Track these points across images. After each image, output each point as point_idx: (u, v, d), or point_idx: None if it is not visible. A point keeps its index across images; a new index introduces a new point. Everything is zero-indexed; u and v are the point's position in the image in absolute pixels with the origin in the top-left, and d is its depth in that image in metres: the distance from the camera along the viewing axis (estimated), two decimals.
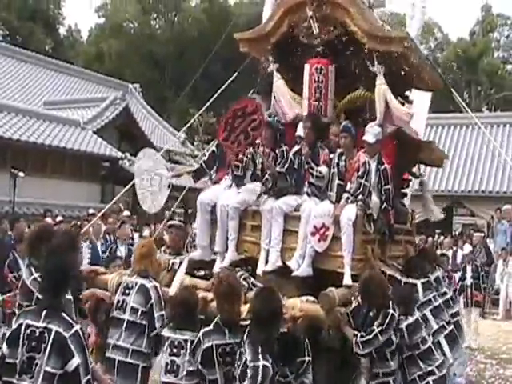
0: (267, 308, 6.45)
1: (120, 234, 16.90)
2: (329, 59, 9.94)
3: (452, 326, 9.25)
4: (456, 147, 34.72)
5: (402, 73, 9.79)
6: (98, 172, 31.42)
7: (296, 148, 9.62)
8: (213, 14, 58.51)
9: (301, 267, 8.76)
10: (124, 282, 8.02)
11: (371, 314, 7.73)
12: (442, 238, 26.20)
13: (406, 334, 7.88)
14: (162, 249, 9.88)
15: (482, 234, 23.39)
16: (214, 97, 12.09)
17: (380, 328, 7.37)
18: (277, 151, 9.61)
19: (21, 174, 24.05)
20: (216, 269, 9.41)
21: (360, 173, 8.87)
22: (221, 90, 11.84)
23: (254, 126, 9.29)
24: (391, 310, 7.55)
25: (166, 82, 57.91)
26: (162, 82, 58.73)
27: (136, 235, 20.80)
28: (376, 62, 9.37)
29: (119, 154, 32.24)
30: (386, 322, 7.43)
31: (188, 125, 15.34)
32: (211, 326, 6.92)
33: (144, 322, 7.70)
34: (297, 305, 7.57)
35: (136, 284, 7.84)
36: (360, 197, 8.73)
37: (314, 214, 8.80)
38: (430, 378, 8.00)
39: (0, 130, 26.97)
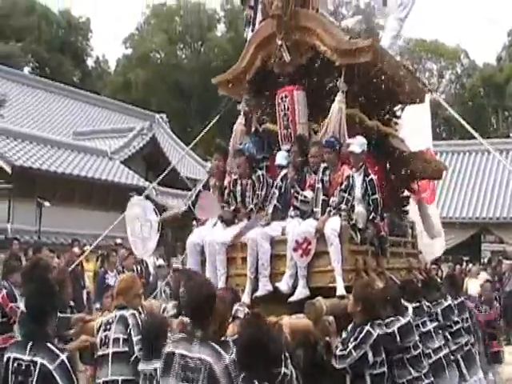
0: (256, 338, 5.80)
1: (126, 265, 16.98)
2: (296, 84, 9.89)
3: (440, 355, 8.82)
4: (484, 174, 34.61)
5: (379, 84, 9.82)
6: (125, 202, 31.33)
7: (283, 172, 9.57)
8: (238, 44, 58.78)
9: (297, 290, 8.65)
10: (105, 320, 7.72)
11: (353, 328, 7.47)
12: (470, 265, 25.99)
13: (398, 337, 7.69)
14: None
15: (511, 262, 23.18)
16: (205, 131, 12.23)
17: (354, 343, 7.10)
18: (253, 178, 9.68)
19: (46, 203, 24.35)
20: None
21: (343, 186, 8.83)
22: (210, 125, 12.00)
23: None
24: (369, 327, 7.22)
25: (192, 112, 58.24)
26: (188, 111, 59.07)
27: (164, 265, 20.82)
28: (341, 79, 9.40)
29: (146, 184, 32.42)
30: (361, 337, 7.13)
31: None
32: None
33: (126, 349, 7.37)
34: (287, 323, 7.33)
35: (115, 317, 7.54)
36: (343, 207, 8.69)
37: (297, 232, 8.72)
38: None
39: (29, 160, 27.27)
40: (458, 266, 25.62)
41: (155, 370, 6.45)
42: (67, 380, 5.24)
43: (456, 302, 9.89)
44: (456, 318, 9.63)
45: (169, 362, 5.41)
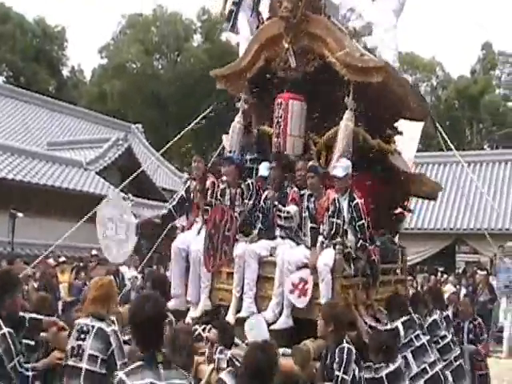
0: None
1: (94, 275, 16.84)
2: (292, 93, 9.63)
3: (436, 369, 8.58)
4: (459, 185, 34.75)
5: (386, 103, 9.62)
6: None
7: (266, 193, 9.33)
8: (215, 55, 58.76)
9: (280, 319, 8.40)
10: (77, 325, 7.14)
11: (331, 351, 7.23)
12: (445, 276, 26.11)
13: (386, 383, 7.44)
14: None
15: (485, 273, 23.31)
16: (181, 135, 12.06)
17: (342, 367, 6.87)
18: (242, 186, 9.47)
19: (20, 214, 24.17)
20: (188, 319, 9.16)
21: (330, 212, 8.56)
22: (189, 127, 11.84)
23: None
24: (345, 345, 7.06)
25: (168, 122, 58.06)
26: (164, 122, 58.85)
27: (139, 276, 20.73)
28: (349, 97, 9.12)
29: (121, 195, 32.28)
30: (344, 357, 6.93)
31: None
32: None
33: (104, 371, 6.80)
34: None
35: (93, 328, 6.97)
36: (337, 239, 8.34)
37: (288, 261, 8.45)
38: None
39: (3, 171, 27.10)
40: (432, 277, 25.77)
41: None
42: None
43: (443, 316, 9.76)
44: (443, 332, 9.48)
45: None
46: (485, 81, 64.01)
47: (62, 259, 19.78)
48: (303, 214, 8.91)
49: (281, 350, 7.22)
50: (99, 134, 43.26)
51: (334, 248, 8.26)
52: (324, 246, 8.40)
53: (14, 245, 24.48)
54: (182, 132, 12.07)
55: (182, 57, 65.16)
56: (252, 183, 9.49)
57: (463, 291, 22.40)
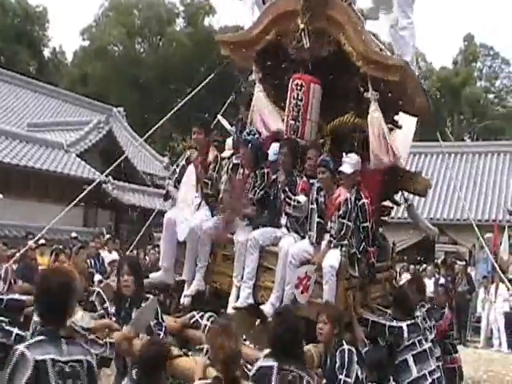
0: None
1: (77, 261, 16.70)
2: (314, 77, 9.17)
3: (435, 376, 8.33)
4: (438, 175, 34.83)
5: (394, 99, 9.31)
6: (80, 195, 30.98)
7: (273, 177, 8.97)
8: (197, 39, 58.51)
9: None
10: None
11: (329, 354, 7.13)
12: (424, 265, 26.22)
13: None
14: None
15: (464, 263, 23.47)
16: (163, 120, 11.77)
17: (344, 369, 6.77)
18: (257, 172, 9.04)
19: None
20: (182, 298, 8.88)
21: (342, 212, 8.16)
22: (180, 104, 11.53)
23: None
24: (345, 346, 6.97)
25: (150, 106, 57.79)
26: (146, 105, 58.59)
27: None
28: (371, 88, 8.70)
29: (102, 178, 32.16)
30: (346, 359, 6.83)
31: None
32: None
33: None
34: None
35: None
36: (344, 242, 8.07)
37: (291, 254, 8.19)
38: None
39: None
40: (412, 266, 25.89)
41: None
42: None
43: (424, 310, 9.45)
44: (420, 337, 8.71)
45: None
46: (466, 72, 64.25)
47: (42, 241, 19.58)
48: (310, 206, 8.53)
49: None
50: (80, 116, 42.92)
51: (341, 249, 8.04)
52: (331, 245, 8.10)
53: None
54: (165, 118, 11.70)
55: (165, 41, 64.96)
56: (268, 173, 9.01)
57: (442, 281, 22.47)
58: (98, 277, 16.34)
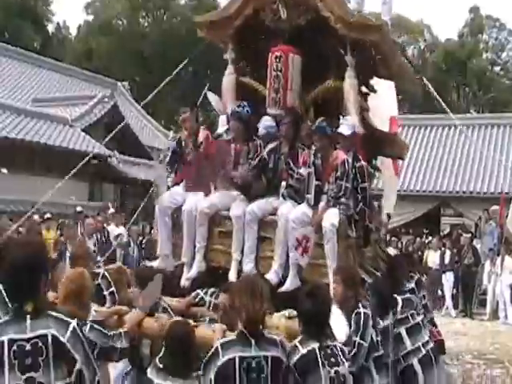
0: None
1: (87, 232, 16.76)
2: (292, 47, 9.10)
3: (428, 347, 8.30)
4: (444, 148, 34.74)
5: (370, 61, 9.26)
6: (85, 170, 31.06)
7: (272, 145, 8.88)
8: (202, 13, 58.13)
9: (288, 280, 8.03)
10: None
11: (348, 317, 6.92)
12: (429, 237, 26.21)
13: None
14: None
15: (469, 235, 23.41)
16: (162, 85, 11.50)
17: (359, 333, 6.64)
18: (250, 145, 8.91)
19: (4, 170, 24.07)
20: (183, 281, 8.67)
21: (339, 173, 8.11)
22: (170, 77, 11.37)
23: None
24: (362, 309, 6.81)
25: (155, 81, 57.52)
26: (151, 80, 58.43)
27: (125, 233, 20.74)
28: (348, 54, 8.75)
29: (107, 152, 32.12)
30: (362, 321, 6.70)
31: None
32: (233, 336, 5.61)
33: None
34: (282, 324, 6.69)
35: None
36: (342, 200, 8.04)
37: (292, 219, 8.05)
38: None
39: None
40: (417, 239, 25.90)
41: None
42: None
43: (414, 280, 9.39)
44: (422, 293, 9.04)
45: None
46: (472, 45, 63.96)
47: (48, 216, 19.65)
48: (308, 170, 8.44)
49: (286, 312, 6.90)
50: (85, 90, 42.87)
51: (339, 209, 7.99)
52: (330, 205, 8.04)
53: None
54: (163, 82, 11.56)
55: (169, 14, 64.67)
56: (260, 145, 8.90)
57: (448, 254, 22.47)
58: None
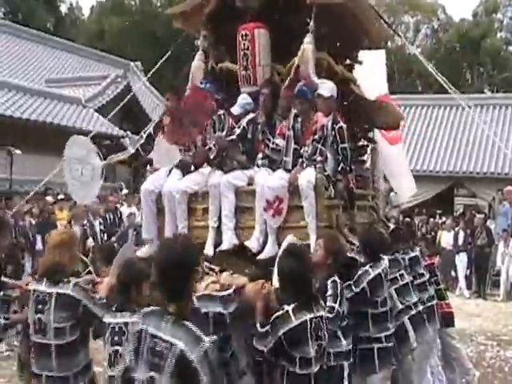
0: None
1: (75, 214, 16.78)
2: (257, 22, 9.14)
3: (419, 308, 8.57)
4: (458, 128, 34.59)
5: (347, 28, 9.25)
6: (99, 150, 31.00)
7: (250, 116, 8.85)
8: None
9: (266, 248, 8.00)
10: (33, 293, 6.45)
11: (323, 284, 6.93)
12: (443, 218, 26.16)
13: (368, 291, 7.33)
14: None
15: (483, 216, 23.35)
16: (165, 57, 11.97)
17: (337, 300, 6.70)
18: (213, 117, 8.99)
19: (17, 151, 24.16)
20: None
21: (317, 136, 8.14)
22: (165, 57, 11.50)
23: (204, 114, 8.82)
24: (337, 278, 6.88)
25: (167, 60, 57.46)
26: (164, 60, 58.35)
27: (138, 213, 20.79)
28: (311, 20, 8.70)
29: (120, 133, 32.13)
30: (339, 291, 6.77)
31: None
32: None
33: (74, 337, 6.34)
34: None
35: (50, 296, 6.31)
36: (318, 158, 8.01)
37: (267, 186, 8.02)
38: (376, 345, 7.46)
39: (0, 108, 26.90)
40: (431, 219, 25.84)
41: (125, 324, 5.79)
42: None
43: (408, 256, 9.10)
44: (422, 270, 9.19)
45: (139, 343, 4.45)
46: (486, 24, 63.41)
47: (61, 196, 19.69)
48: (287, 133, 8.49)
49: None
50: (98, 71, 42.86)
51: (315, 168, 7.96)
52: (304, 165, 8.06)
53: (12, 182, 24.44)
54: (167, 54, 11.62)
55: None
56: (224, 114, 8.94)
57: (461, 234, 22.45)
58: (90, 241, 16.42)
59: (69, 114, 30.53)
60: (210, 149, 8.75)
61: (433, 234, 24.38)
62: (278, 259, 6.37)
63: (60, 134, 29.07)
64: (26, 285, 7.06)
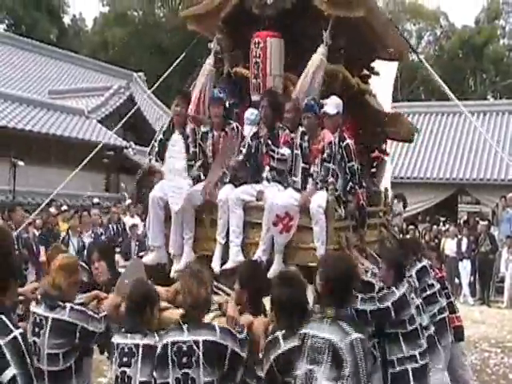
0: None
1: (72, 226, 16.77)
2: (271, 31, 8.97)
3: (431, 331, 8.21)
4: (462, 135, 34.59)
5: (365, 41, 9.13)
6: (102, 161, 31.23)
7: (254, 130, 8.71)
8: None
9: (272, 266, 7.81)
10: (32, 316, 6.28)
11: None
12: (447, 225, 26.13)
13: (392, 311, 6.98)
14: None
15: (486, 223, 23.32)
16: (169, 70, 11.59)
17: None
18: (226, 129, 8.79)
19: (20, 162, 24.23)
20: (172, 273, 8.48)
21: (326, 155, 7.95)
22: (169, 71, 11.33)
23: None
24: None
25: (171, 71, 57.51)
26: (167, 70, 58.48)
27: (141, 224, 20.83)
28: (327, 31, 8.53)
29: (124, 143, 32.19)
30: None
31: None
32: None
33: (68, 364, 6.15)
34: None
35: (47, 320, 6.12)
36: (330, 179, 7.83)
37: (277, 204, 7.83)
38: (410, 366, 7.17)
39: (4, 119, 27.01)
40: (434, 227, 25.81)
41: (136, 345, 5.78)
42: (18, 358, 4.14)
43: (415, 269, 8.76)
44: (431, 281, 8.89)
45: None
46: (489, 31, 63.34)
47: (64, 208, 19.75)
48: (295, 152, 8.30)
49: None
50: (101, 82, 43.01)
51: (327, 190, 7.80)
52: (317, 187, 7.89)
53: (15, 193, 24.52)
54: (171, 68, 11.48)
55: (184, 5, 64.55)
56: (237, 126, 8.83)
57: (464, 241, 22.43)
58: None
59: (72, 125, 30.62)
60: (224, 173, 8.64)
61: (436, 241, 24.35)
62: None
63: (63, 145, 29.31)
64: (32, 292, 6.89)
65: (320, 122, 8.27)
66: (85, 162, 10.76)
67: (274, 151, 8.27)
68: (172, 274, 8.50)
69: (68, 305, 6.18)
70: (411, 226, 24.35)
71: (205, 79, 9.47)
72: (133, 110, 15.95)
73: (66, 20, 68.77)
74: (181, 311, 6.04)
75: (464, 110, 13.33)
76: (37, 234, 17.27)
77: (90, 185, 28.88)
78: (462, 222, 27.95)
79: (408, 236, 21.68)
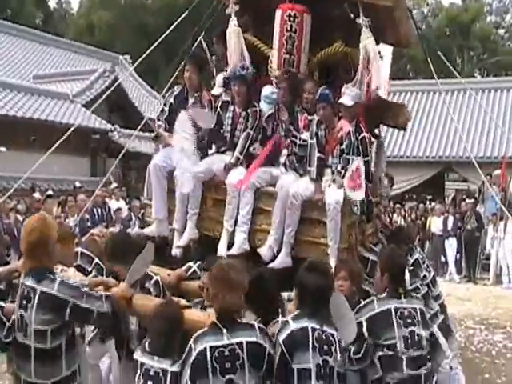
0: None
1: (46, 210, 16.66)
2: (304, 6, 8.55)
3: (443, 316, 8.28)
4: (447, 113, 34.55)
5: (380, 27, 8.70)
6: (87, 145, 31.20)
7: (269, 112, 8.42)
8: None
9: (278, 257, 7.65)
10: (20, 287, 5.83)
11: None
12: (433, 203, 26.14)
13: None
14: None
15: (472, 201, 23.33)
16: (153, 47, 11.16)
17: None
18: (248, 111, 8.42)
19: (2, 148, 24.06)
20: (174, 249, 8.26)
21: (345, 146, 7.77)
22: (153, 47, 11.02)
23: None
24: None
25: (157, 53, 57.29)
26: (153, 52, 58.14)
27: (125, 207, 20.80)
28: (361, 15, 8.15)
29: (109, 127, 32.01)
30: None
31: None
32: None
33: (58, 343, 5.71)
34: None
35: (35, 292, 5.63)
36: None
37: (292, 194, 7.64)
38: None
39: None
40: (421, 205, 25.86)
41: (163, 370, 5.39)
42: None
43: (415, 254, 8.73)
44: (424, 273, 8.63)
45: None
46: (476, 8, 63.33)
47: (49, 193, 19.64)
48: (310, 141, 8.07)
49: (285, 295, 6.49)
50: (87, 65, 42.63)
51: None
52: (335, 182, 7.64)
53: None
54: (155, 44, 11.15)
55: None
56: (260, 111, 8.40)
57: (450, 219, 22.44)
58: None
59: (56, 110, 30.38)
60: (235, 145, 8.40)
61: (422, 219, 24.40)
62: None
63: (48, 129, 29.07)
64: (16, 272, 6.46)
65: (335, 111, 8.08)
66: (56, 145, 10.31)
67: (295, 137, 8.15)
68: (174, 251, 8.29)
69: (58, 278, 5.71)
70: (398, 205, 24.45)
71: (237, 43, 8.92)
72: (113, 89, 15.66)
73: (52, 4, 68.60)
74: (198, 312, 6.06)
75: (468, 88, 13.15)
76: (20, 219, 17.19)
77: (75, 169, 28.77)
78: (448, 199, 28.01)
79: (395, 215, 21.86)
